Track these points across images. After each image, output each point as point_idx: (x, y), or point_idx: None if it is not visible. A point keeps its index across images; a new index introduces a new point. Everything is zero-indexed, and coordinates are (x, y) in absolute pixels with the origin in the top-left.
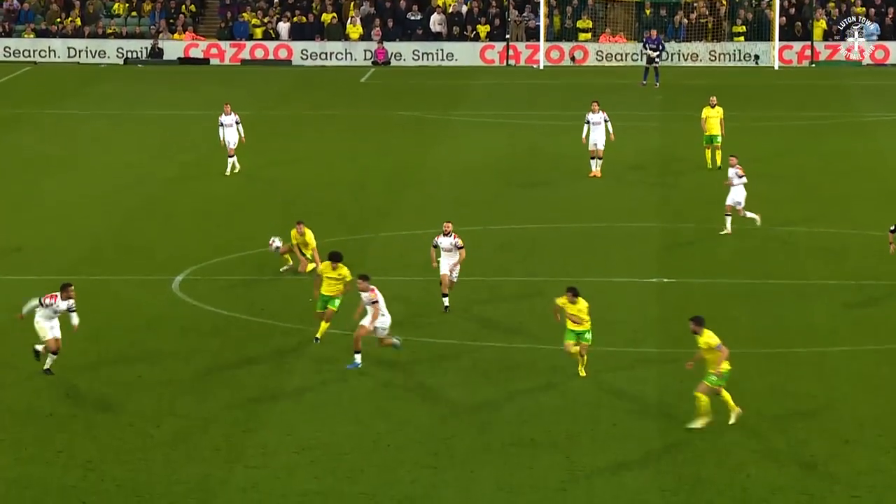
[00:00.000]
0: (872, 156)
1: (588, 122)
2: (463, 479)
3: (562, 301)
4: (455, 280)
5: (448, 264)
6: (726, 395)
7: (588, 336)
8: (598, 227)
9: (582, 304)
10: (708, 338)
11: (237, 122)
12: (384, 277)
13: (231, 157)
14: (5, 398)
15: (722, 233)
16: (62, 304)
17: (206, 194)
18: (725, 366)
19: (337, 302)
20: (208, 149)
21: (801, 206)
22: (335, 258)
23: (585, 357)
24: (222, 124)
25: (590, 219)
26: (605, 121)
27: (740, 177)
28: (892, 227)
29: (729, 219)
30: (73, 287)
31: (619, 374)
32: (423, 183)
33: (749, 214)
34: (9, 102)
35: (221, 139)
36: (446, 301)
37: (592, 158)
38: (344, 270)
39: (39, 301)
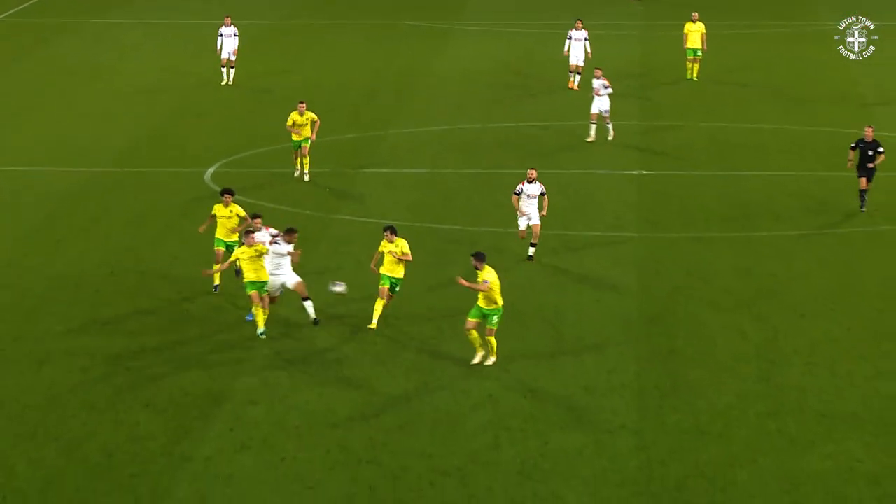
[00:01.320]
0: (832, 61)
1: (570, 38)
2: (456, 364)
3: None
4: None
5: (528, 215)
6: (493, 341)
7: (397, 289)
8: (585, 125)
9: (401, 243)
10: (484, 274)
11: (235, 35)
12: (395, 170)
13: (224, 67)
14: (57, 273)
15: (587, 139)
16: (284, 248)
17: (235, 95)
18: (497, 302)
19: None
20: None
21: (768, 107)
22: (228, 192)
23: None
24: (221, 35)
25: (578, 118)
26: (586, 39)
27: (606, 87)
28: (853, 145)
29: (594, 126)
30: (297, 233)
31: (602, 254)
32: (428, 87)
33: (610, 126)
34: (54, 11)
35: (218, 49)
36: (532, 251)
37: (571, 73)
38: (237, 208)
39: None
